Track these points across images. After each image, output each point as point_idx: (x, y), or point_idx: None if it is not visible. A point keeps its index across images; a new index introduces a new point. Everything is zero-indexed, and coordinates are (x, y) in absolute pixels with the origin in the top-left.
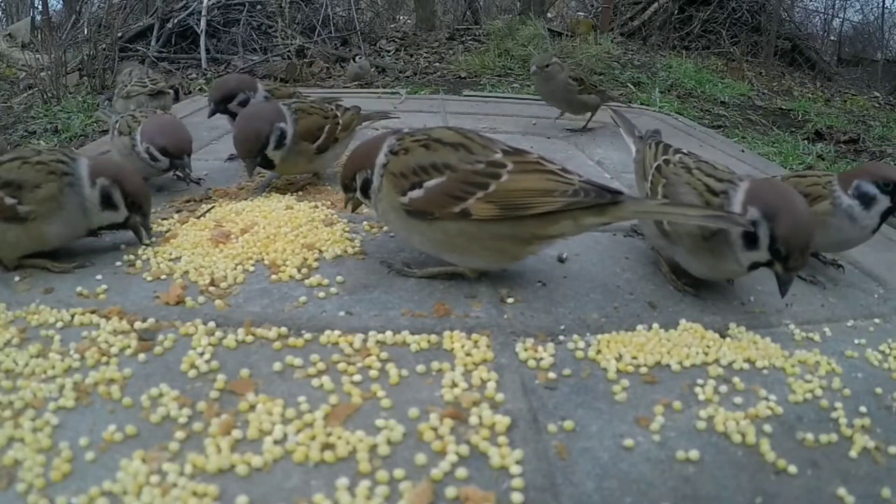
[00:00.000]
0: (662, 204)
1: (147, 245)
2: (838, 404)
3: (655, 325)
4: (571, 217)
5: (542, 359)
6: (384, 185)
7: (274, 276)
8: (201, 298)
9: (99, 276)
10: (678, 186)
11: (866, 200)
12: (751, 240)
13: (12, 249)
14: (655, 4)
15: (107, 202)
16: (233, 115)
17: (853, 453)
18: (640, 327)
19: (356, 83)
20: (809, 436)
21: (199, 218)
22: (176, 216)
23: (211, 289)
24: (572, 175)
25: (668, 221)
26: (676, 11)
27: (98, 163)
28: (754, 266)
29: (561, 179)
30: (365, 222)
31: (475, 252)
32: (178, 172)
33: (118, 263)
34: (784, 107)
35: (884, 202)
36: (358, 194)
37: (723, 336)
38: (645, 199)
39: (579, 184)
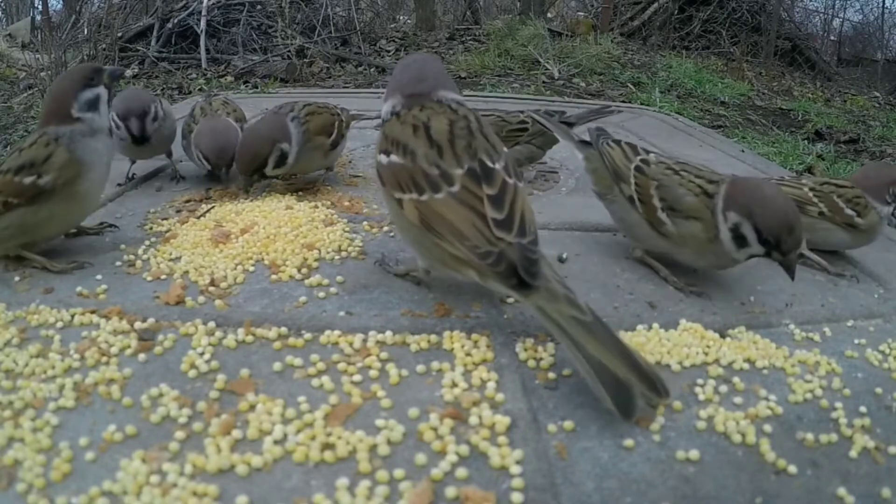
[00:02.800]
0: (573, 319)
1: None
2: (838, 404)
3: (655, 325)
4: (477, 270)
5: (542, 359)
6: (379, 138)
7: (274, 276)
8: (201, 298)
9: (99, 276)
10: (676, 188)
11: None
12: (740, 239)
13: (43, 229)
14: (655, 4)
15: (92, 106)
16: None
17: (853, 453)
18: (640, 327)
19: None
20: (809, 436)
21: (199, 218)
22: (176, 216)
23: (211, 289)
24: (503, 236)
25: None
26: (676, 11)
27: (50, 114)
28: (752, 256)
29: (486, 233)
30: (365, 222)
31: (408, 241)
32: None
33: (118, 263)
34: (784, 107)
35: None
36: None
37: (723, 336)
38: (561, 301)
39: (504, 249)
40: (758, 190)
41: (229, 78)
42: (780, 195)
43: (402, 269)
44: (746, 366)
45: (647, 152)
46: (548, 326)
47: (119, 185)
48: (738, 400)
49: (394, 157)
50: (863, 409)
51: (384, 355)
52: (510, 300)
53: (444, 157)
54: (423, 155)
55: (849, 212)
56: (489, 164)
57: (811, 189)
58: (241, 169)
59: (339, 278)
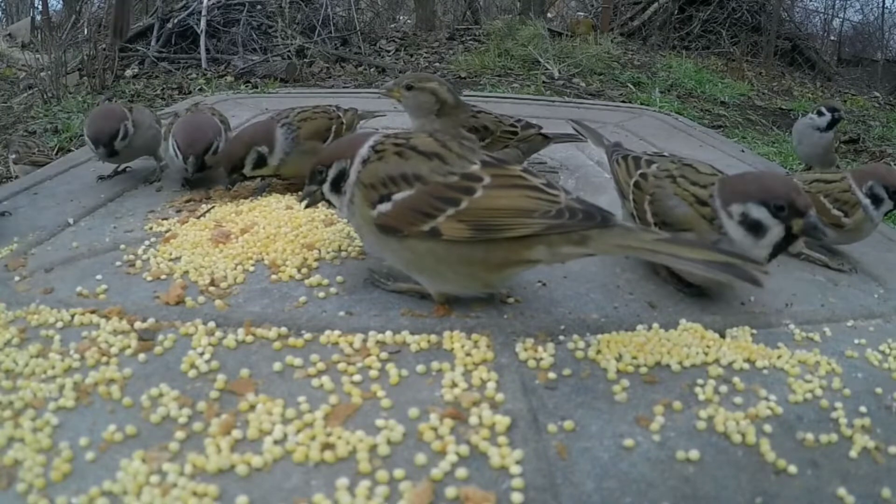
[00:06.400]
0: (657, 240)
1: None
2: (838, 404)
3: (655, 325)
4: (546, 243)
5: (542, 359)
6: (357, 196)
7: (274, 276)
8: (201, 298)
9: (99, 276)
10: (667, 200)
11: (877, 201)
12: (754, 227)
13: None
14: (655, 4)
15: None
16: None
17: (853, 453)
18: (640, 327)
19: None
20: (809, 436)
21: (199, 218)
22: (176, 216)
23: (211, 289)
24: (558, 192)
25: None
26: (676, 11)
27: None
28: (777, 251)
29: (544, 197)
30: None
31: (444, 275)
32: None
33: (118, 263)
34: (784, 107)
35: (888, 205)
36: (325, 187)
37: (723, 336)
38: (637, 231)
39: (566, 202)
40: (746, 175)
41: (229, 78)
42: (767, 172)
43: (404, 287)
44: (746, 366)
45: (651, 164)
46: (636, 256)
47: (100, 177)
48: (738, 400)
49: (399, 196)
50: (863, 409)
51: (384, 355)
52: (510, 300)
53: (450, 163)
54: (430, 170)
55: (835, 212)
56: (495, 156)
57: None
58: (223, 166)
59: (339, 278)
